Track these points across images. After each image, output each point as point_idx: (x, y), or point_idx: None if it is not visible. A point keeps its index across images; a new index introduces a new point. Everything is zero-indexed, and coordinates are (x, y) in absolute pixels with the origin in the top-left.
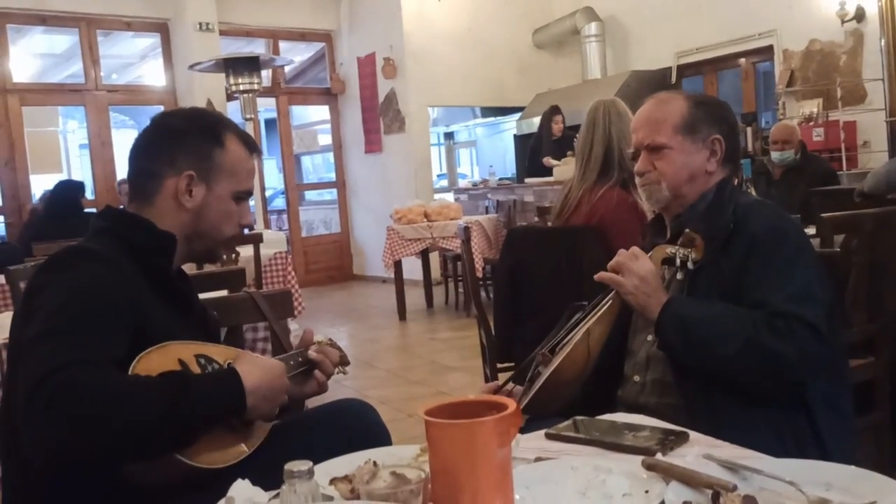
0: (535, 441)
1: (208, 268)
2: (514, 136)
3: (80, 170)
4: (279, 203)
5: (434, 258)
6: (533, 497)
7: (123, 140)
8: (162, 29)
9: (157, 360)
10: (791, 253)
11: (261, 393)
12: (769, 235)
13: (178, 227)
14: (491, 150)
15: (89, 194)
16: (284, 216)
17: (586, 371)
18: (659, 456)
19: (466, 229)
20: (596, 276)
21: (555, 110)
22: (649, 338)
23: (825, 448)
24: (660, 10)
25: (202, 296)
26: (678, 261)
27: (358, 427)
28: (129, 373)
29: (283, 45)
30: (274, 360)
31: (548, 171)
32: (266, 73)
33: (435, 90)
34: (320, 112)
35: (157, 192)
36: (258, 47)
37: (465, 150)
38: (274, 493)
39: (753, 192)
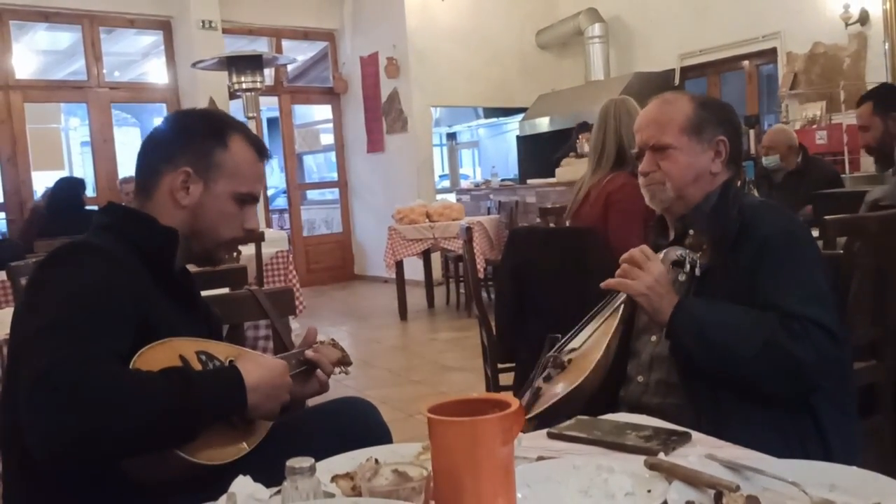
0: (537, 440)
1: None
2: (517, 136)
3: (82, 167)
4: (281, 202)
5: (436, 258)
6: (535, 496)
7: (125, 138)
8: (165, 26)
9: (158, 356)
10: (803, 255)
11: (262, 391)
12: (781, 237)
13: (177, 225)
14: (493, 151)
15: (90, 191)
16: (286, 215)
17: (601, 381)
18: (661, 456)
19: (468, 230)
20: (603, 284)
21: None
22: (653, 338)
23: (829, 450)
24: (664, 12)
25: (204, 293)
26: (687, 266)
27: (359, 425)
28: (130, 367)
29: (285, 43)
30: (276, 359)
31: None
32: (269, 72)
33: (438, 90)
34: (323, 111)
35: (155, 188)
36: (261, 46)
37: (468, 151)
38: (275, 489)
39: (756, 195)
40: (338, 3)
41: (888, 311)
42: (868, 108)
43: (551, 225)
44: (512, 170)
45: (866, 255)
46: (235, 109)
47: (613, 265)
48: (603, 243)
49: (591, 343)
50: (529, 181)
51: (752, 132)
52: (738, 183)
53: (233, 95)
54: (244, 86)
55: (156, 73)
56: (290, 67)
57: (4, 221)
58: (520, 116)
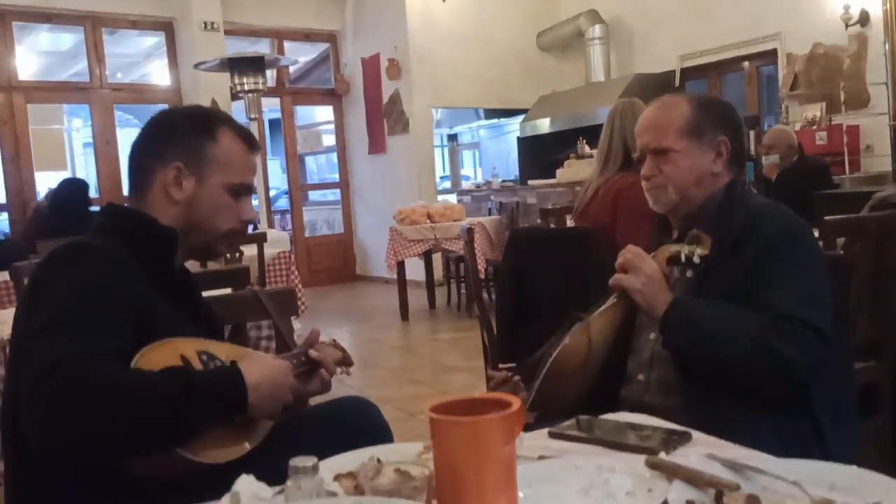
0: (538, 440)
1: (212, 265)
2: (518, 138)
3: (84, 168)
4: (283, 203)
5: (437, 259)
6: (536, 495)
7: (128, 139)
8: (167, 28)
9: (159, 356)
10: (802, 256)
11: (263, 391)
12: (781, 238)
13: (173, 221)
14: (494, 152)
15: (93, 192)
16: (288, 216)
17: (590, 362)
18: (662, 455)
19: (469, 230)
20: (611, 282)
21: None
22: (652, 336)
23: (828, 450)
24: (664, 13)
25: (206, 293)
26: (683, 258)
27: (360, 424)
28: (132, 367)
29: (287, 45)
30: (278, 358)
31: None
32: (270, 73)
33: (439, 91)
34: (324, 112)
35: (149, 186)
36: (263, 47)
37: (469, 152)
38: (278, 488)
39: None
40: (339, 4)
41: (888, 312)
42: None
43: (552, 226)
44: (513, 171)
45: (867, 255)
46: (237, 111)
47: (615, 266)
48: (604, 244)
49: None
50: (530, 182)
51: (752, 133)
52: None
53: (235, 97)
54: (246, 87)
55: (158, 74)
56: (291, 69)
57: (7, 222)
58: (520, 118)
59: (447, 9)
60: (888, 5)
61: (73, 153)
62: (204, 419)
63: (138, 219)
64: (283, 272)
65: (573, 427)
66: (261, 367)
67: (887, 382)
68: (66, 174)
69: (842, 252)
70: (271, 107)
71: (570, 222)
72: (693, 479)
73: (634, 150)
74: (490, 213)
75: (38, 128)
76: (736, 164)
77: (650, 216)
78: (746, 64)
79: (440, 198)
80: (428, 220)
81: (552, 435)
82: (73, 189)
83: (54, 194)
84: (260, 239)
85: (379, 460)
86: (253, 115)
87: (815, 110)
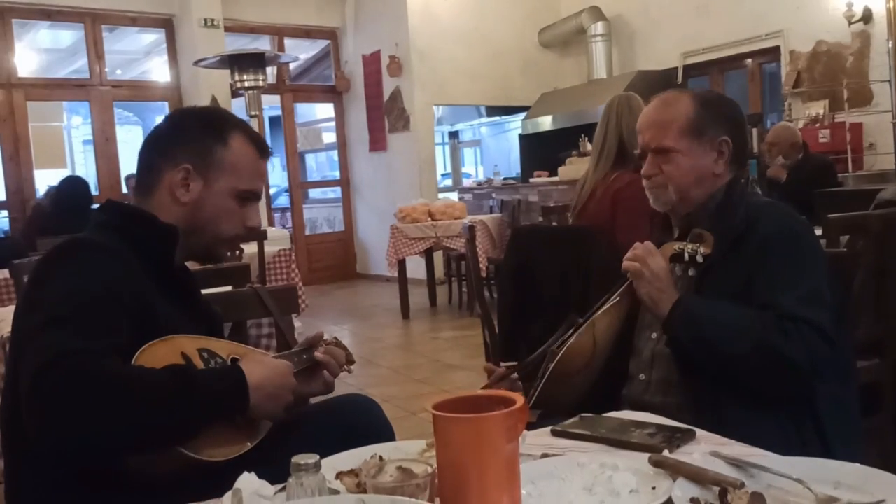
0: (541, 438)
1: None
2: (519, 135)
3: (84, 165)
4: (283, 201)
5: (438, 257)
6: (539, 492)
7: (127, 136)
8: (167, 25)
9: (160, 353)
10: (802, 255)
11: (265, 391)
12: (781, 237)
13: (177, 222)
14: (496, 150)
15: (92, 190)
16: (288, 214)
17: (594, 363)
18: (666, 453)
19: (471, 228)
20: (624, 266)
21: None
22: (653, 335)
23: (830, 449)
24: (666, 11)
25: (206, 291)
26: (686, 256)
27: (361, 422)
28: (133, 363)
29: (288, 42)
30: (280, 359)
31: None
32: (271, 70)
33: (440, 89)
34: (325, 110)
35: (156, 185)
36: (263, 44)
37: (470, 150)
38: (280, 486)
39: (759, 192)
40: (340, 1)
41: (891, 310)
42: None
43: (554, 223)
44: (514, 168)
45: (869, 253)
46: (238, 108)
47: (617, 263)
48: (606, 242)
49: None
50: (532, 180)
51: (754, 130)
52: (743, 181)
53: (235, 94)
54: (246, 84)
55: (158, 71)
56: (292, 66)
57: (7, 219)
58: (522, 115)
59: (448, 5)
60: (891, 3)
61: (72, 150)
62: (204, 418)
63: (138, 215)
64: (284, 270)
65: (577, 425)
66: (263, 368)
67: (890, 381)
68: (66, 172)
69: (845, 250)
70: (272, 104)
71: (570, 220)
72: (697, 476)
73: (631, 146)
74: (491, 211)
75: (37, 125)
76: (737, 163)
77: (649, 215)
78: (749, 61)
79: (441, 195)
80: (429, 218)
81: (555, 433)
82: (76, 186)
83: (57, 192)
84: (260, 237)
85: (381, 458)
86: (253, 113)
87: (818, 108)
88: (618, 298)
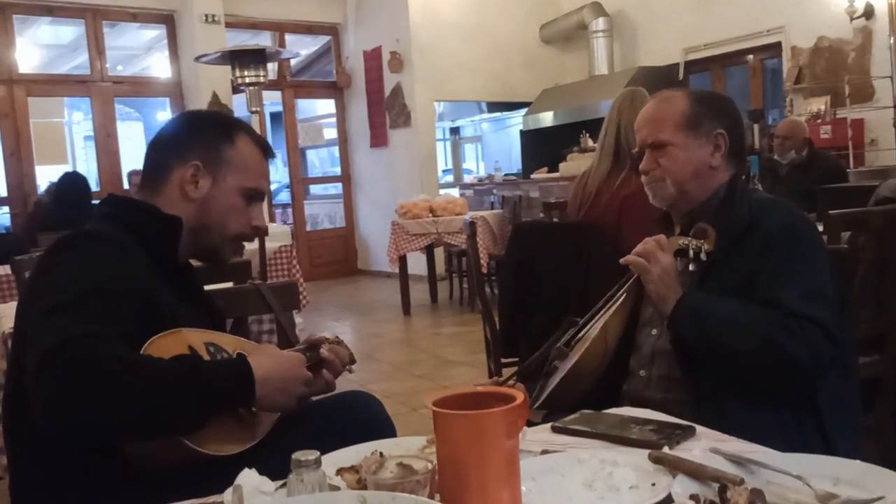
0: (541, 434)
1: None
2: (521, 131)
3: (85, 161)
4: (284, 197)
5: (439, 253)
6: (539, 488)
7: (128, 132)
8: (168, 21)
9: (167, 345)
10: (805, 251)
11: (272, 384)
12: (784, 233)
13: (185, 218)
14: (497, 146)
15: (93, 185)
16: (289, 210)
17: (604, 364)
18: (666, 449)
19: (472, 224)
20: (622, 260)
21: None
22: (653, 332)
23: (831, 446)
24: (668, 6)
25: (207, 287)
26: (691, 252)
27: (362, 418)
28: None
29: (289, 37)
30: (291, 352)
31: None
32: (272, 66)
33: (441, 84)
34: (326, 106)
35: (164, 182)
36: (264, 40)
37: (471, 146)
38: (281, 482)
39: (760, 188)
40: None
41: (891, 306)
42: None
43: (555, 220)
44: (515, 164)
45: (870, 249)
46: (238, 104)
47: (617, 259)
48: (608, 239)
49: (591, 328)
50: (533, 176)
51: (756, 126)
52: (743, 177)
53: (236, 90)
54: (247, 80)
55: (159, 67)
56: (293, 62)
57: (8, 215)
58: (523, 111)
59: (449, 1)
60: None
61: (73, 146)
62: (210, 408)
63: (140, 207)
64: (285, 266)
65: (577, 421)
66: (270, 361)
67: (890, 376)
68: (67, 167)
69: (846, 246)
70: (273, 100)
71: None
72: (697, 473)
73: (628, 142)
74: (492, 207)
75: (38, 121)
76: (735, 158)
77: (656, 221)
78: (750, 57)
79: (442, 192)
80: (430, 214)
81: (555, 429)
82: (76, 182)
83: (58, 188)
84: (261, 233)
85: (381, 454)
86: (254, 109)
87: (820, 104)
88: (624, 295)
